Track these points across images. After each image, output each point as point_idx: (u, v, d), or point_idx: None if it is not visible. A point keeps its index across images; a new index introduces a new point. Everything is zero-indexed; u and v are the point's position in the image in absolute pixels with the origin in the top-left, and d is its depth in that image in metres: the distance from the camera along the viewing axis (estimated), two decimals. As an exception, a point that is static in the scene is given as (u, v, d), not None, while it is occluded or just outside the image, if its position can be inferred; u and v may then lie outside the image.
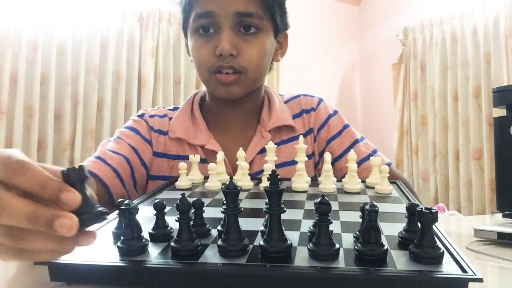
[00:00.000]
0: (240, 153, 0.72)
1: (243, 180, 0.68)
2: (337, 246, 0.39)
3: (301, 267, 0.37)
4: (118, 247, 0.41)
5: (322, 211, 0.38)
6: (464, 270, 0.36)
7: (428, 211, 0.38)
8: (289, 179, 0.72)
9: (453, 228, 0.87)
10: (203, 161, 0.84)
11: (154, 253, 0.41)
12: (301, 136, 0.73)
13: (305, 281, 0.37)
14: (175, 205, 0.41)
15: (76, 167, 0.35)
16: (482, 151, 2.82)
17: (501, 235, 0.62)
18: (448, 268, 0.37)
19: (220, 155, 0.74)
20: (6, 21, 2.38)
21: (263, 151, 0.85)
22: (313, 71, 3.44)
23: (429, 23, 3.17)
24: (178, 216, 0.41)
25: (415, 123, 3.27)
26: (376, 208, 0.39)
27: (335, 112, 0.97)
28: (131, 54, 2.78)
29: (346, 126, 0.95)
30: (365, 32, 3.79)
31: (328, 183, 0.68)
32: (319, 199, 0.39)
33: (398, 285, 0.36)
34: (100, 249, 0.42)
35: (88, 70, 2.63)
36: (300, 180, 0.68)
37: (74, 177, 0.34)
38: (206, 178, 0.74)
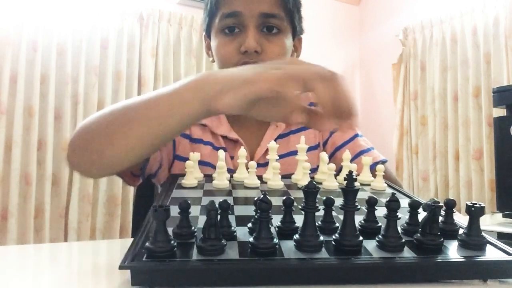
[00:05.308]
0: (242, 152, 0.73)
1: (250, 178, 0.70)
2: (403, 239, 0.44)
3: (371, 258, 0.42)
4: (198, 247, 0.42)
5: (392, 207, 0.44)
6: (510, 254, 0.42)
7: (479, 205, 0.44)
8: (290, 177, 0.74)
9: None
10: (223, 149, 0.88)
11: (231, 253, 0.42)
12: (302, 137, 0.75)
13: (374, 271, 0.42)
14: (257, 203, 0.43)
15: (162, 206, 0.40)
16: (482, 151, 2.82)
17: (501, 235, 0.62)
18: (494, 253, 0.43)
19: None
20: (6, 21, 2.38)
21: (277, 139, 0.92)
22: (313, 71, 3.44)
23: (429, 23, 3.17)
24: (259, 214, 0.42)
25: (415, 123, 3.27)
26: (440, 204, 0.44)
27: None
28: (131, 54, 2.77)
29: None
30: (365, 32, 3.79)
31: (331, 180, 0.70)
32: (390, 197, 0.44)
33: (462, 270, 0.42)
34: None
35: (88, 70, 2.63)
36: (306, 178, 0.70)
37: (160, 216, 0.40)
38: (205, 176, 0.75)
